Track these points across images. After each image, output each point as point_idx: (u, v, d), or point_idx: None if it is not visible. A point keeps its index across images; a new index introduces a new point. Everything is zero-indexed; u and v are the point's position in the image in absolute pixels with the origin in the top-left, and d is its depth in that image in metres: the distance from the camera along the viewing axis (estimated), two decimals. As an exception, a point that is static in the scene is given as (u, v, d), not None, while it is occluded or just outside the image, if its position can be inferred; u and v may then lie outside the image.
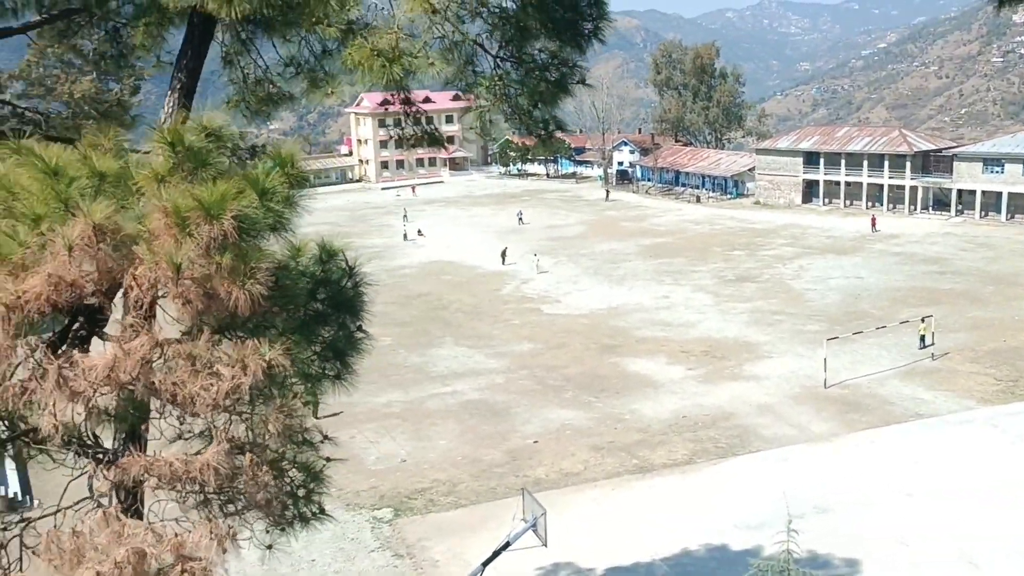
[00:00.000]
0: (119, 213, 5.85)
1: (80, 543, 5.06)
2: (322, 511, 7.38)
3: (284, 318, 6.76)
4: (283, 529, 6.83)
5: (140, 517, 6.37)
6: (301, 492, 7.15)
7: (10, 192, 6.16)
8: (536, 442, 31.37)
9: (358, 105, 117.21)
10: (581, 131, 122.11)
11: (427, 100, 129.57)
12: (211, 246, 5.57)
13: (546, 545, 20.59)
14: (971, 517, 24.00)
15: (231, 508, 5.91)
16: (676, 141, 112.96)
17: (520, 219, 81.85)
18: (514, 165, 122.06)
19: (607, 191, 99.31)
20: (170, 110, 8.37)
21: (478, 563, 20.61)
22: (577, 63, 8.56)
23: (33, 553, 5.26)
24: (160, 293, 5.63)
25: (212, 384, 5.36)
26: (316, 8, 7.42)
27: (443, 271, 62.45)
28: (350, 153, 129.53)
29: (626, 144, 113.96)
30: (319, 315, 6.82)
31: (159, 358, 5.45)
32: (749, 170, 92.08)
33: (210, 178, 5.94)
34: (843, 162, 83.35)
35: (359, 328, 7.22)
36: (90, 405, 5.01)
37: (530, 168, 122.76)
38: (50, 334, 6.31)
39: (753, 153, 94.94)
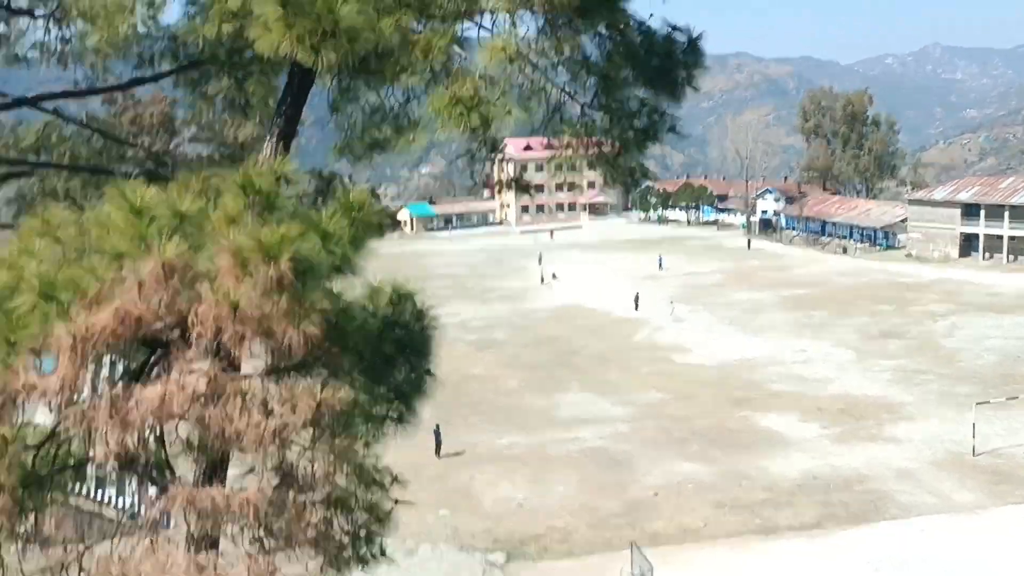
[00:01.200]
0: (191, 252, 6.12)
1: (125, 569, 5.24)
2: (383, 553, 7.39)
3: (351, 358, 6.86)
4: (339, 570, 6.88)
5: (215, 547, 6.57)
6: (363, 532, 7.19)
7: (104, 229, 6.56)
8: (656, 495, 30.56)
9: (502, 150, 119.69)
10: (724, 178, 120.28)
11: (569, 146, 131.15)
12: (269, 287, 5.73)
13: (653, 603, 19.98)
14: None
15: (276, 545, 6.00)
16: (824, 190, 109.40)
17: (660, 264, 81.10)
18: (654, 211, 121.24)
19: (748, 239, 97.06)
20: (268, 155, 8.73)
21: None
22: (666, 111, 8.40)
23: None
24: (222, 331, 5.82)
25: (260, 422, 5.48)
26: (401, 58, 7.61)
27: (576, 316, 62.35)
28: (492, 197, 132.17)
29: (771, 192, 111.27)
30: (386, 357, 6.89)
31: (212, 394, 5.62)
32: (901, 221, 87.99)
33: (277, 221, 6.13)
34: (1007, 214, 78.30)
35: (427, 371, 7.26)
36: (143, 435, 5.22)
37: (671, 214, 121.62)
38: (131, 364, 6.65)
39: (906, 204, 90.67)
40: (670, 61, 8.64)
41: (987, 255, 79.83)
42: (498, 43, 7.10)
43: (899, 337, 52.73)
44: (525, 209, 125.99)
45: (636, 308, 62.12)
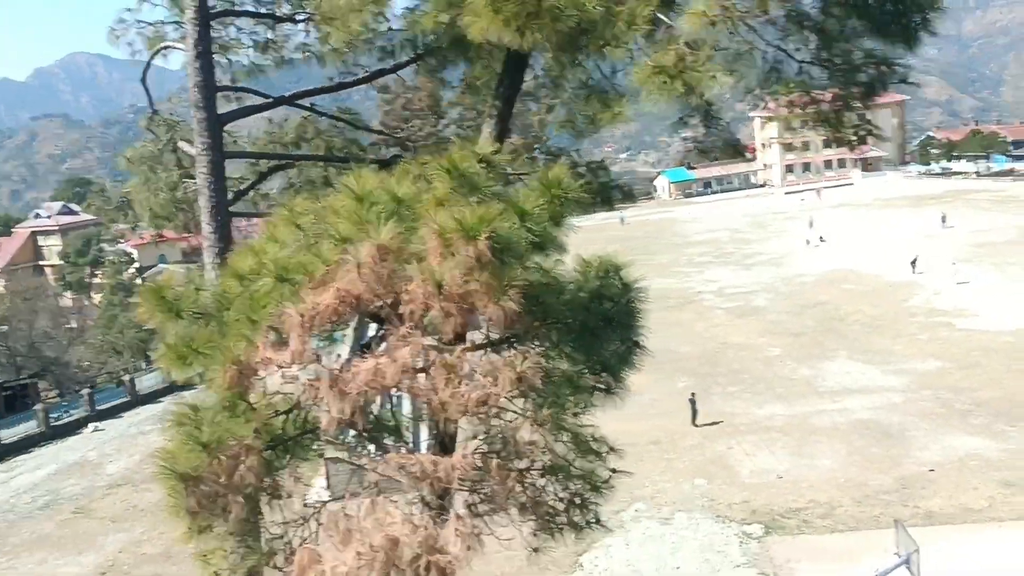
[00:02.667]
0: (404, 234, 6.58)
1: (351, 524, 5.80)
2: (598, 520, 7.54)
3: (558, 331, 7.07)
4: (551, 535, 7.12)
5: (445, 512, 7.08)
6: (578, 500, 7.39)
7: (334, 215, 7.22)
8: (933, 471, 28.35)
9: (764, 108, 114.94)
10: (1022, 123, 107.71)
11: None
12: (470, 265, 6.04)
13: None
14: None
15: (484, 508, 6.34)
16: None
17: (944, 221, 74.34)
18: (936, 163, 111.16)
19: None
20: (488, 135, 9.11)
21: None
22: (894, 61, 7.75)
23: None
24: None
25: (463, 392, 5.82)
26: (605, 31, 7.63)
27: (844, 280, 58.85)
28: (754, 158, 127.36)
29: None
30: (593, 330, 7.01)
31: (422, 366, 6.04)
32: None
33: (478, 202, 6.44)
34: None
35: (635, 344, 7.29)
36: (357, 405, 5.73)
37: (955, 166, 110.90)
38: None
39: None
40: (901, 5, 7.95)
41: None
42: (699, 7, 6.92)
43: None
44: (790, 168, 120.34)
45: (914, 271, 57.49)
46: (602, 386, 7.13)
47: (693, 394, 35.36)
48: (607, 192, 12.09)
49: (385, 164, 9.76)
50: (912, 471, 28.52)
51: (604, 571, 24.55)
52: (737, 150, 8.91)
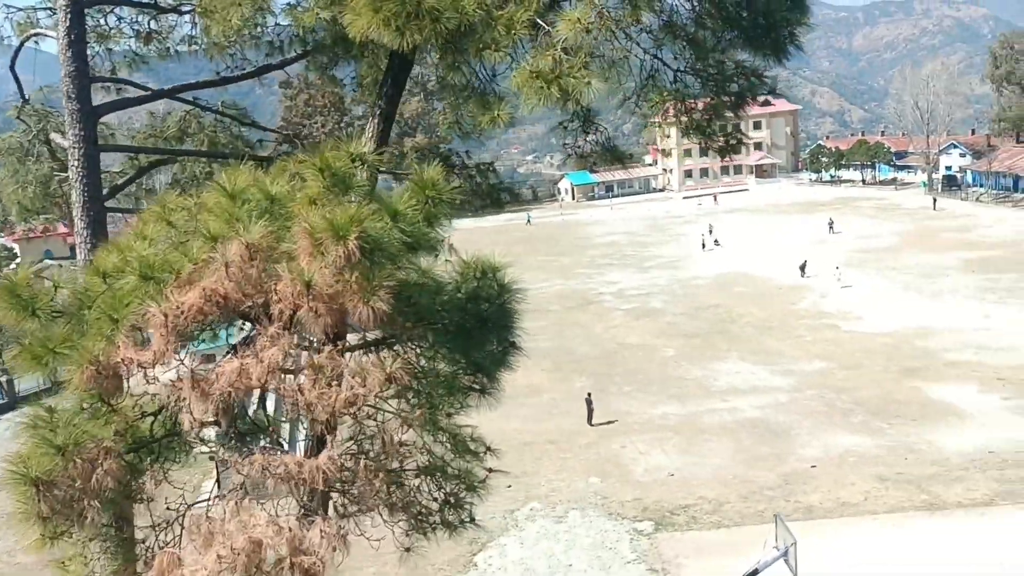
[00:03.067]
0: (277, 233, 6.50)
1: (212, 527, 5.69)
2: (472, 520, 7.60)
3: (435, 332, 7.09)
4: (424, 534, 7.14)
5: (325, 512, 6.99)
6: (452, 500, 7.42)
7: (208, 212, 7.06)
8: (814, 467, 29.54)
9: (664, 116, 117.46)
10: (904, 134, 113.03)
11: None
12: (341, 265, 6.01)
13: (796, 576, 19.40)
14: None
15: (352, 509, 6.32)
16: (1017, 143, 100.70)
17: (831, 227, 77.41)
18: (826, 171, 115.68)
19: (934, 199, 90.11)
20: (370, 134, 9.06)
21: (728, 588, 19.90)
22: (763, 73, 8.05)
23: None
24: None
25: (330, 393, 5.79)
26: (485, 35, 7.69)
27: (737, 283, 60.71)
28: (654, 163, 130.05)
29: (956, 147, 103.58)
30: (468, 331, 7.06)
31: (290, 367, 5.98)
32: (1108, 173, 79.84)
33: (354, 201, 6.40)
34: None
35: (511, 344, 7.37)
36: (221, 406, 5.63)
37: (845, 174, 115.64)
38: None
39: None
40: (771, 20, 8.27)
41: None
42: (574, 14, 7.04)
43: (1099, 301, 48.20)
44: (688, 174, 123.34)
45: (803, 274, 59.76)
46: (477, 387, 7.19)
47: (589, 394, 35.91)
48: (495, 194, 12.17)
49: (266, 161, 9.59)
50: (795, 468, 29.63)
51: (498, 570, 24.69)
52: (616, 156, 9.09)
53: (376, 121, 9.03)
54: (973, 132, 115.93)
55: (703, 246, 75.06)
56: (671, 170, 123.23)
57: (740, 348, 44.65)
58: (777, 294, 56.41)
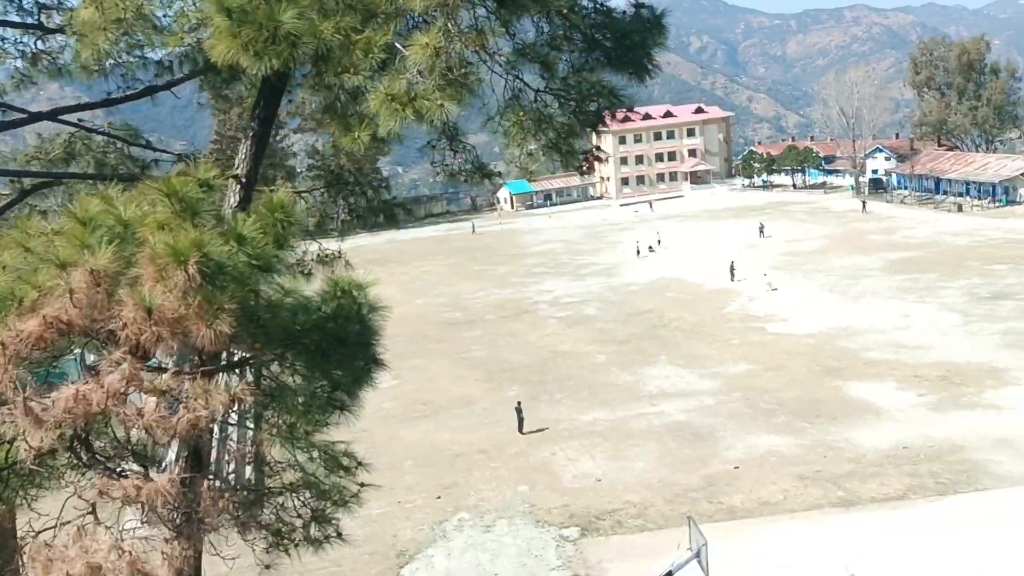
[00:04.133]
0: (127, 258, 6.56)
1: (52, 554, 5.73)
2: (339, 535, 7.72)
3: (292, 352, 7.21)
4: (287, 552, 7.24)
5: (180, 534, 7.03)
6: (318, 515, 7.54)
7: (60, 238, 7.08)
8: (737, 468, 30.18)
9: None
10: (831, 139, 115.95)
11: (668, 114, 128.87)
12: (184, 289, 6.10)
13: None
14: None
15: (193, 530, 6.40)
16: (939, 145, 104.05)
17: (761, 231, 79.02)
18: (758, 177, 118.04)
19: (863, 202, 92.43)
20: (243, 156, 9.14)
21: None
22: (620, 92, 8.34)
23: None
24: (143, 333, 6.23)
25: (171, 416, 5.88)
26: (343, 59, 7.85)
27: (669, 288, 61.65)
28: (591, 170, 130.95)
29: (881, 151, 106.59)
30: (324, 350, 7.19)
31: (133, 391, 6.05)
32: (1022, 175, 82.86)
33: (202, 226, 6.50)
34: None
35: (371, 361, 7.52)
36: (58, 433, 5.69)
37: (776, 179, 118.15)
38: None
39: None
40: (627, 42, 8.57)
41: (1119, 206, 74.60)
42: (423, 39, 7.24)
43: (1012, 298, 50.00)
44: (625, 181, 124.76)
45: (732, 278, 60.95)
46: (337, 404, 7.32)
47: (519, 403, 36.15)
48: (389, 209, 12.32)
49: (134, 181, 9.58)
50: (719, 469, 30.23)
51: (422, 583, 24.74)
52: (485, 175, 9.31)
53: (249, 143, 9.12)
54: (897, 136, 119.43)
55: (638, 253, 76.04)
56: (608, 178, 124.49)
57: (669, 352, 45.36)
58: (707, 298, 57.41)
